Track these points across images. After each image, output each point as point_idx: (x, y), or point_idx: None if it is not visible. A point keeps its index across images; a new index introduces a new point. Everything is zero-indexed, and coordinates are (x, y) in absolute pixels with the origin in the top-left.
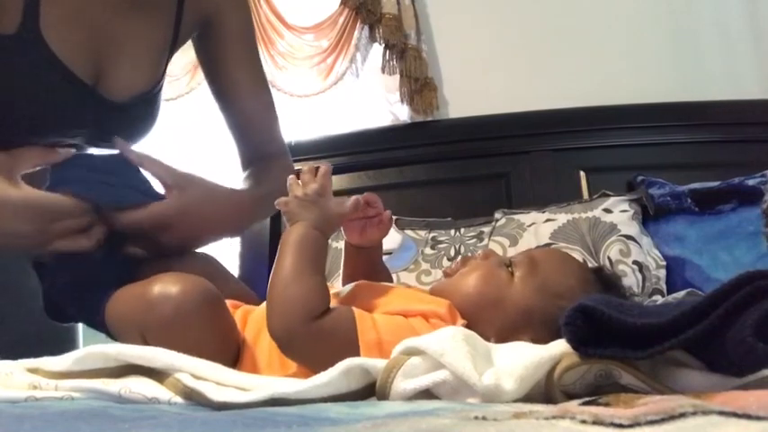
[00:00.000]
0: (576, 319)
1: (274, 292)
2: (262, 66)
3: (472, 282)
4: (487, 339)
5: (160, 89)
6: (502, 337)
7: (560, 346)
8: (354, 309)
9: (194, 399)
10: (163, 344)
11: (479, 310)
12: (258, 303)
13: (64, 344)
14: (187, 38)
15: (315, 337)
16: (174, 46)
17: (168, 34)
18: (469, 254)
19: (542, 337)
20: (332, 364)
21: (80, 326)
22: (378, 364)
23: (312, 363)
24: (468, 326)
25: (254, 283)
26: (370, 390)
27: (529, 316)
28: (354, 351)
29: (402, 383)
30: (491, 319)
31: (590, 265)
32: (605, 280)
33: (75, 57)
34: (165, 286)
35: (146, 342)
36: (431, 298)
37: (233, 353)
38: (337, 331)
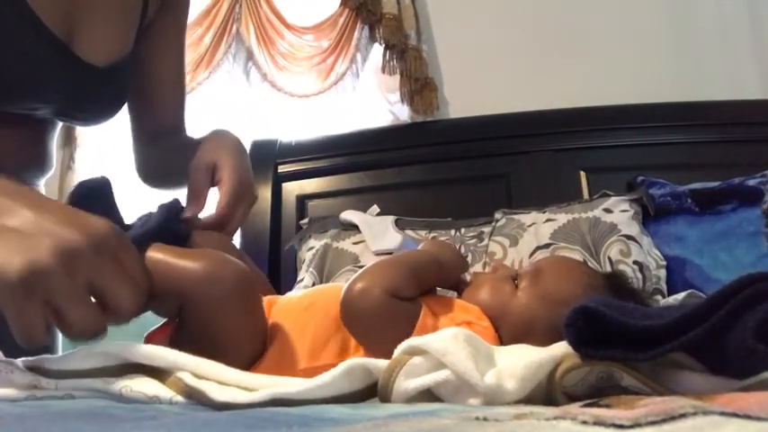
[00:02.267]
0: (576, 321)
1: (377, 265)
2: (184, 43)
3: (479, 296)
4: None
5: (132, 61)
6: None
7: (562, 348)
8: (425, 304)
9: (195, 398)
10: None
11: (492, 321)
12: (267, 291)
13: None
14: (152, 13)
15: (382, 309)
16: (144, 18)
17: (138, 4)
18: (469, 254)
19: (546, 343)
20: (382, 343)
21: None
22: (380, 364)
23: (366, 332)
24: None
25: None
26: (373, 389)
27: (532, 325)
28: (405, 338)
29: (404, 383)
30: (501, 330)
31: (602, 270)
32: (617, 286)
33: (49, 11)
34: (220, 264)
35: (177, 311)
36: (473, 309)
37: (262, 341)
38: (401, 316)
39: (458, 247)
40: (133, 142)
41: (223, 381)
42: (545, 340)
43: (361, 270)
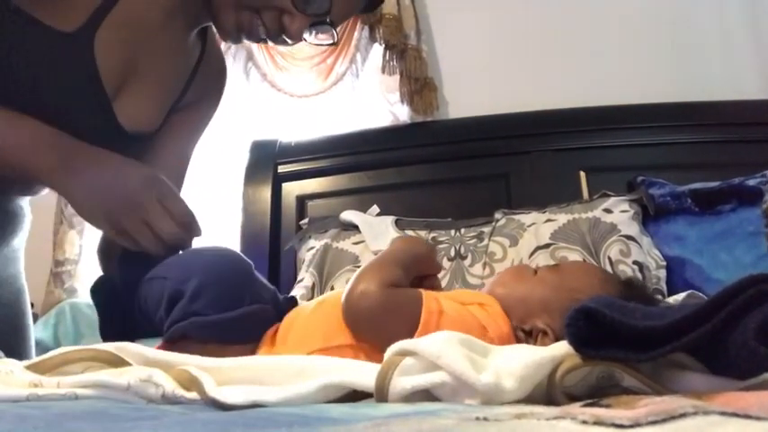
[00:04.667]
0: (577, 321)
1: (372, 263)
2: (197, 141)
3: (501, 278)
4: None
5: (152, 137)
6: (523, 322)
7: (562, 348)
8: (422, 290)
9: (195, 389)
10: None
11: (507, 300)
12: None
13: (19, 346)
14: (186, 104)
15: (385, 301)
16: (179, 101)
17: (179, 86)
18: (469, 254)
19: (560, 326)
20: (389, 334)
21: (32, 330)
22: (356, 380)
23: (371, 326)
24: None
25: None
26: (354, 395)
27: (545, 304)
28: (414, 322)
29: (400, 382)
30: (516, 307)
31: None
32: (632, 289)
33: (110, 71)
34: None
35: None
36: (484, 295)
37: None
38: (404, 303)
39: (458, 247)
40: None
41: (223, 367)
42: (555, 321)
43: (353, 277)
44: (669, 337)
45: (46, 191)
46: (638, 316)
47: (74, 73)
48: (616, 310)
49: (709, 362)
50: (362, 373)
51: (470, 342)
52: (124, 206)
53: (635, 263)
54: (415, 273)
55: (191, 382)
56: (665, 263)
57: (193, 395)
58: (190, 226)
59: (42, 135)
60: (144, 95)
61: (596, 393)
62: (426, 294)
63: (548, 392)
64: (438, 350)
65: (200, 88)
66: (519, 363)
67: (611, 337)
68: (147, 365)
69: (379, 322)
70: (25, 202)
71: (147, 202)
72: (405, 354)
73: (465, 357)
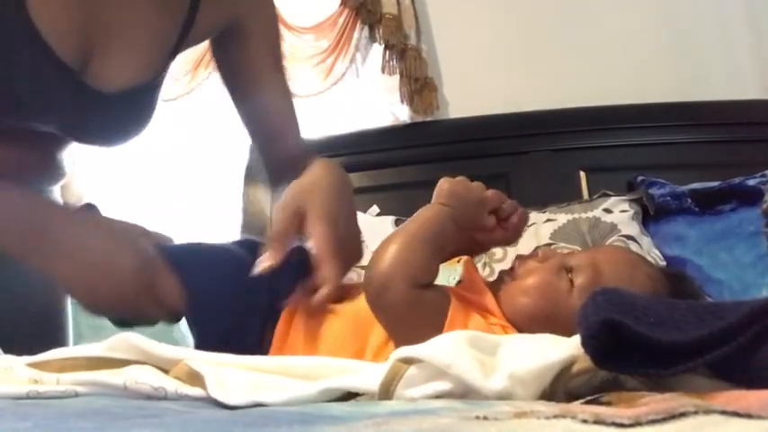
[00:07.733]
0: (600, 333)
1: (391, 246)
2: (285, 68)
3: (528, 292)
4: None
5: (157, 86)
6: None
7: (571, 348)
8: (453, 296)
9: (198, 385)
10: None
11: (534, 322)
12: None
13: (53, 342)
14: (200, 40)
15: (409, 304)
16: (181, 44)
17: (175, 30)
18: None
19: None
20: (412, 335)
21: (70, 327)
22: (358, 385)
23: (396, 325)
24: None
25: None
26: (354, 394)
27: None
28: (438, 331)
29: (404, 393)
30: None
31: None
32: (680, 290)
33: (63, 38)
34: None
35: None
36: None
37: None
38: (430, 309)
39: None
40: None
41: (223, 363)
42: None
43: (377, 250)
44: (690, 351)
45: (65, 179)
46: (651, 319)
47: (20, 51)
48: (627, 313)
49: (727, 376)
50: (366, 376)
51: (479, 339)
52: (113, 297)
53: None
54: (450, 251)
55: (192, 377)
56: (665, 263)
57: (195, 391)
58: (179, 310)
59: (11, 200)
60: (119, 50)
61: (596, 390)
62: (453, 309)
63: (549, 389)
64: (449, 359)
65: (216, 7)
66: (529, 368)
67: (628, 342)
68: (147, 360)
69: (399, 320)
70: (55, 191)
71: (135, 295)
72: (410, 361)
73: (475, 362)
